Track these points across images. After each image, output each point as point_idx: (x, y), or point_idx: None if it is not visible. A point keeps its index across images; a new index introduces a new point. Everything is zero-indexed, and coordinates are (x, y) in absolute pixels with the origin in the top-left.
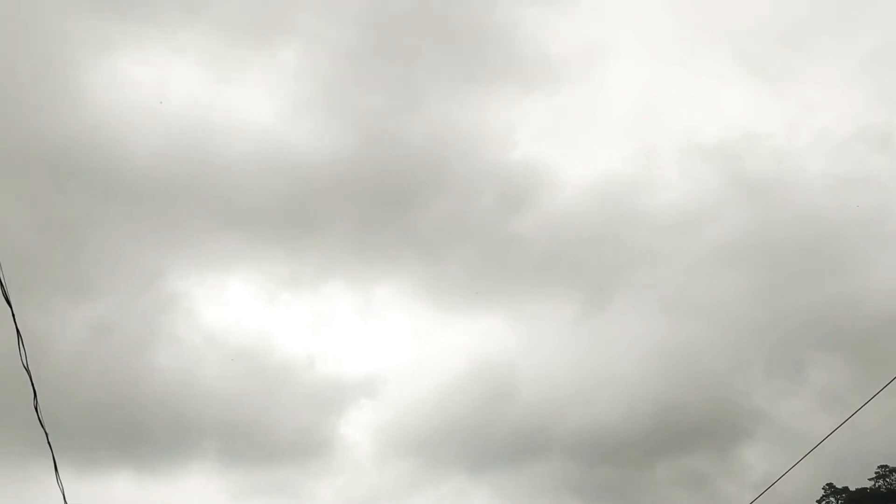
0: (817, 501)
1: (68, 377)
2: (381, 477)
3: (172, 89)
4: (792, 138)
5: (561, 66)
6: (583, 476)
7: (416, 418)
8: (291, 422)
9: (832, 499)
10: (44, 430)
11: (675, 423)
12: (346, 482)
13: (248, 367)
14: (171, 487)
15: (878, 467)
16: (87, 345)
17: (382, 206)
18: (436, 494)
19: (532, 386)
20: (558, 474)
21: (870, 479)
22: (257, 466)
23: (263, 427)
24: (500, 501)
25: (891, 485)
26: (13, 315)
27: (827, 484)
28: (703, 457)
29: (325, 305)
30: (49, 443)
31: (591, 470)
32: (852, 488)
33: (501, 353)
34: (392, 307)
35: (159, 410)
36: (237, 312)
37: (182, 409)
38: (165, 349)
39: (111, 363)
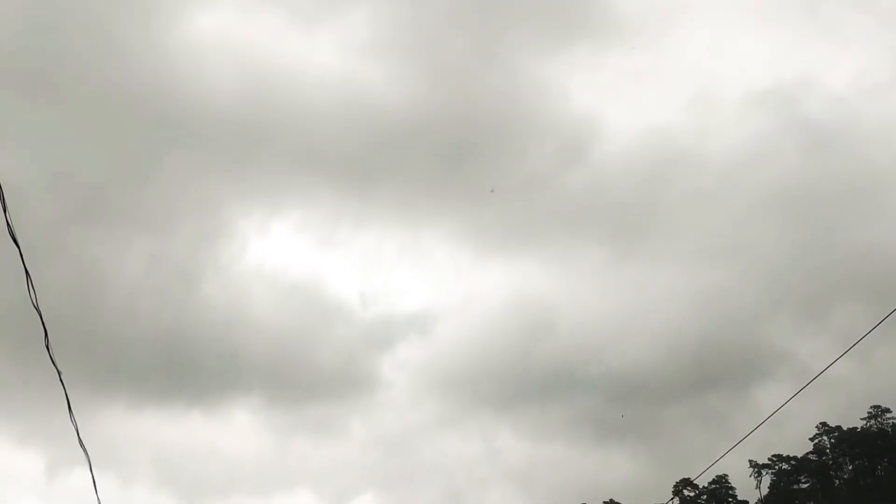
0: (810, 439)
1: (126, 306)
2: (416, 414)
3: (251, 34)
4: (851, 87)
5: (627, 24)
6: (603, 413)
7: (455, 357)
8: (337, 359)
9: (825, 437)
10: (56, 368)
11: (700, 364)
12: (381, 419)
13: (299, 304)
14: (218, 421)
15: (871, 407)
16: (145, 276)
17: (445, 154)
18: (462, 430)
19: (567, 328)
20: (580, 411)
21: (862, 419)
22: (300, 403)
23: (310, 364)
24: (521, 436)
25: (882, 424)
26: (20, 254)
27: (820, 422)
28: (722, 396)
29: (378, 247)
30: (62, 381)
31: (612, 407)
32: (845, 428)
33: (543, 295)
34: (444, 250)
35: (211, 343)
36: (293, 251)
37: (233, 343)
38: (220, 284)
39: (167, 294)
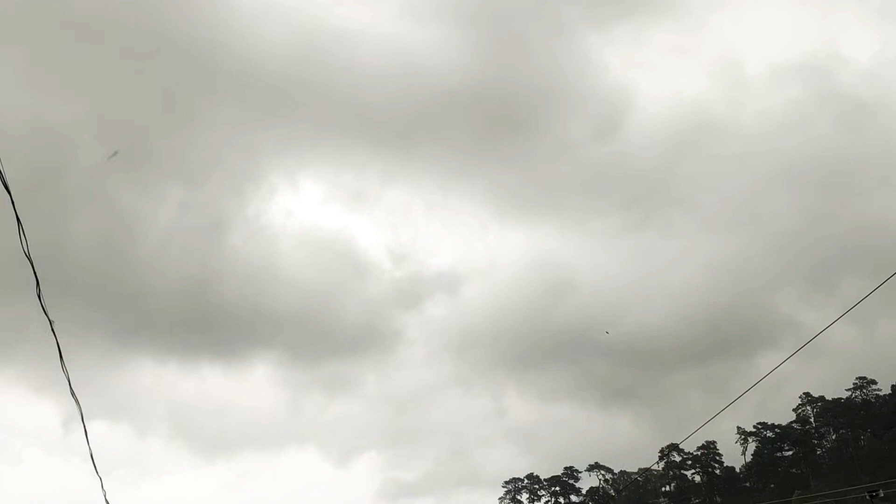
0: (794, 409)
1: (156, 256)
2: (430, 373)
3: None
4: (878, 61)
5: (669, 2)
6: (611, 376)
7: (476, 318)
8: (363, 316)
9: (808, 407)
10: (48, 318)
11: (709, 331)
12: (396, 377)
13: (328, 260)
14: (238, 375)
15: (857, 378)
16: (176, 225)
17: (483, 119)
18: (472, 390)
19: (584, 292)
20: (588, 373)
21: (847, 390)
22: (321, 359)
23: (335, 320)
24: (528, 396)
25: (867, 396)
26: (13, 203)
27: (804, 392)
28: (727, 363)
29: (408, 206)
30: (53, 331)
31: (619, 371)
32: (829, 398)
33: (562, 259)
34: (472, 212)
35: (239, 298)
36: (324, 207)
37: (261, 296)
38: (250, 237)
39: (197, 245)
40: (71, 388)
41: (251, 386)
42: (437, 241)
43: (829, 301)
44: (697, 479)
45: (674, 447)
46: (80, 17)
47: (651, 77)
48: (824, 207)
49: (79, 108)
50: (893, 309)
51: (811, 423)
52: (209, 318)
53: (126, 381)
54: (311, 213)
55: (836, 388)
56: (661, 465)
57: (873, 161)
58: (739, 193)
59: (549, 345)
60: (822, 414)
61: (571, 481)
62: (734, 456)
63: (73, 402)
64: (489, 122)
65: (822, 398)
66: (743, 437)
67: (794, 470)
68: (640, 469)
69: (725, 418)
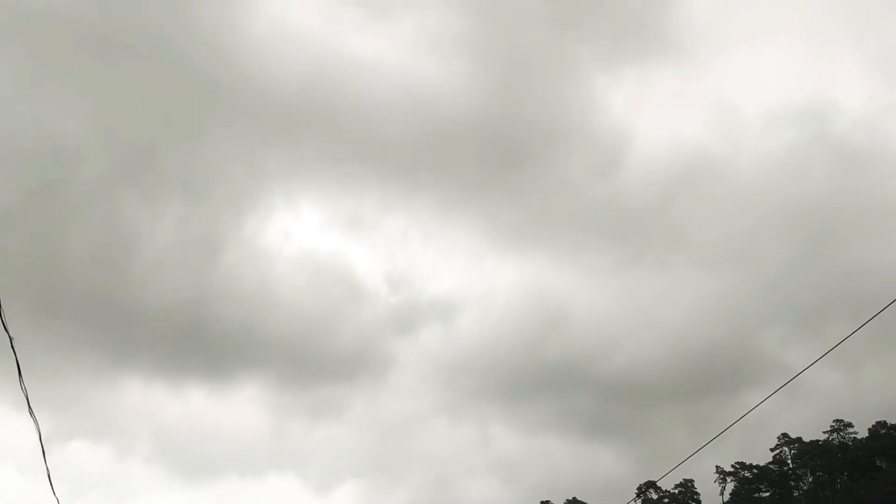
0: (771, 450)
1: (151, 273)
2: (418, 401)
3: (322, 24)
4: (874, 110)
5: (673, 47)
6: (596, 410)
7: (468, 347)
8: (356, 342)
9: (785, 448)
10: (7, 334)
11: (697, 368)
12: (384, 404)
13: (324, 284)
14: (227, 397)
15: (834, 421)
16: (173, 243)
17: (486, 152)
18: (458, 420)
19: (577, 327)
20: (574, 407)
21: (824, 432)
22: (311, 383)
23: (328, 344)
24: (513, 427)
25: (843, 439)
26: None
27: (782, 433)
28: (714, 401)
29: (406, 234)
30: (13, 347)
31: (606, 405)
32: (807, 439)
33: (557, 293)
34: (470, 242)
35: (232, 318)
36: (323, 231)
37: (253, 319)
38: (247, 258)
39: (193, 264)
40: (29, 406)
41: (237, 409)
42: (434, 270)
43: (815, 343)
44: None
45: (651, 484)
46: (93, 33)
47: (652, 119)
48: (815, 251)
49: (87, 123)
50: (876, 353)
51: (788, 464)
52: (200, 337)
53: (112, 400)
54: (309, 236)
55: (816, 430)
56: (639, 502)
57: (865, 207)
58: (732, 234)
59: (539, 376)
60: (799, 455)
61: None
62: (713, 496)
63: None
64: (492, 154)
65: (799, 439)
66: (721, 476)
67: None
68: None
69: (707, 457)
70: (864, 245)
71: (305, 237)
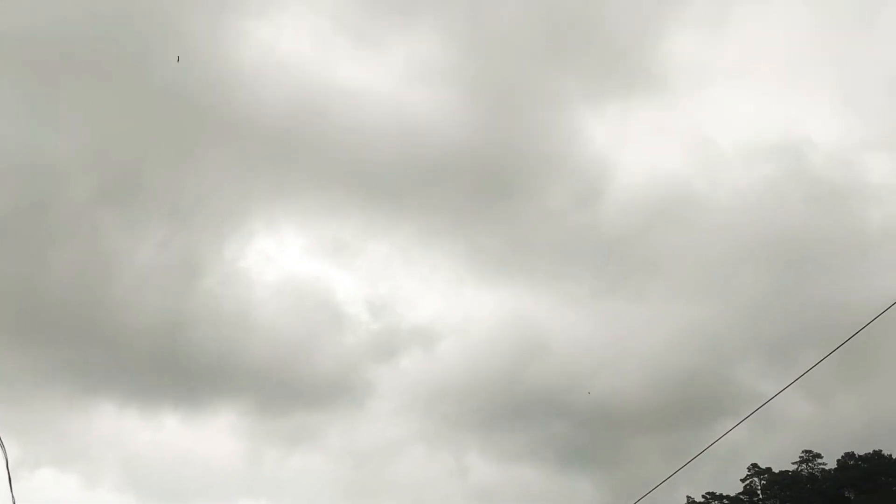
0: (741, 480)
1: (130, 296)
2: (396, 429)
3: (312, 52)
4: (850, 145)
5: (656, 82)
6: (573, 439)
7: (447, 375)
8: (335, 368)
9: (756, 479)
10: None
11: (674, 398)
12: (361, 432)
13: (304, 309)
14: (201, 423)
15: (803, 451)
16: (154, 267)
17: (470, 181)
18: (435, 448)
19: (556, 355)
20: (552, 436)
21: (794, 463)
22: (288, 410)
23: (307, 371)
24: (489, 456)
25: (812, 469)
26: None
27: (752, 464)
28: (689, 430)
29: (388, 261)
30: None
31: (582, 434)
32: (776, 470)
33: (536, 322)
34: (452, 270)
35: (211, 342)
36: (304, 256)
37: (232, 343)
38: (227, 283)
39: (172, 288)
40: None
41: (211, 436)
42: (416, 297)
43: (788, 374)
44: None
45: None
46: (83, 55)
47: (633, 151)
48: (789, 283)
49: (74, 143)
50: (846, 384)
51: (759, 495)
52: (177, 362)
53: (84, 426)
54: (290, 261)
55: (788, 460)
56: None
57: (837, 240)
58: (709, 265)
59: (516, 405)
60: (769, 486)
61: None
62: None
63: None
64: (476, 183)
65: (769, 470)
66: None
67: None
68: None
69: (681, 487)
70: (836, 278)
71: (287, 262)
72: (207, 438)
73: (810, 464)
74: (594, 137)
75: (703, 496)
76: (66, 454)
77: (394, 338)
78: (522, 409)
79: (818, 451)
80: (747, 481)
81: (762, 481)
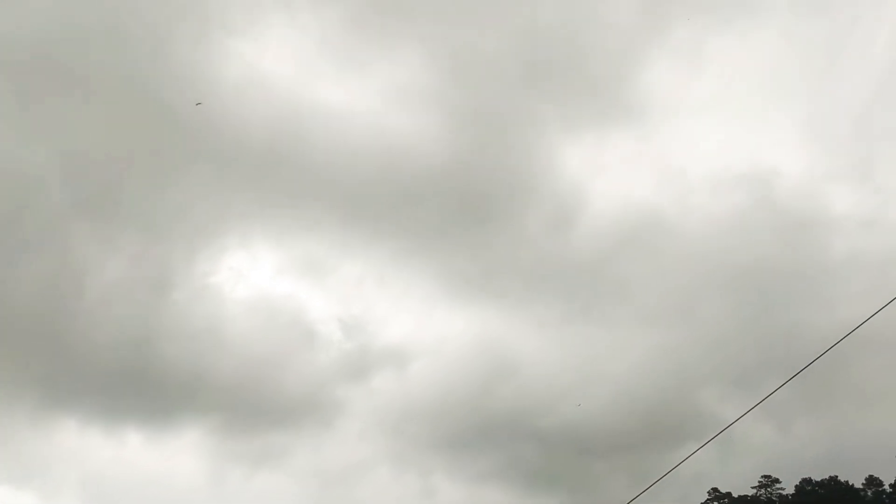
0: None
1: (99, 310)
2: (364, 449)
3: (293, 71)
4: (816, 177)
5: (631, 113)
6: (540, 462)
7: (417, 396)
8: (306, 387)
9: (716, 503)
10: None
11: (640, 422)
12: (329, 452)
13: (276, 328)
14: (166, 442)
15: (762, 476)
16: (126, 279)
17: (446, 203)
18: (401, 469)
19: (523, 378)
20: (519, 458)
21: (753, 488)
22: (256, 430)
23: (277, 390)
24: (456, 478)
25: (770, 494)
26: None
27: (712, 488)
28: (655, 454)
29: (361, 280)
30: None
31: (549, 457)
32: (735, 494)
33: (506, 345)
34: (425, 291)
35: (178, 359)
36: (276, 274)
37: (201, 360)
38: (197, 299)
39: (144, 302)
40: None
41: (175, 454)
42: (389, 318)
43: (751, 401)
44: None
45: None
46: (65, 68)
47: (606, 179)
48: (754, 311)
49: (51, 155)
50: (806, 410)
51: None
52: (143, 378)
53: (46, 443)
54: (263, 278)
55: (748, 484)
56: None
57: (801, 270)
58: (676, 291)
59: (484, 427)
60: None
61: None
62: None
63: None
64: (452, 206)
65: (728, 494)
66: None
67: None
68: None
69: None
70: (800, 306)
71: (260, 279)
72: (171, 457)
73: (769, 489)
74: (569, 164)
75: None
76: (25, 472)
77: (365, 359)
78: (490, 430)
79: (777, 476)
80: None
81: None
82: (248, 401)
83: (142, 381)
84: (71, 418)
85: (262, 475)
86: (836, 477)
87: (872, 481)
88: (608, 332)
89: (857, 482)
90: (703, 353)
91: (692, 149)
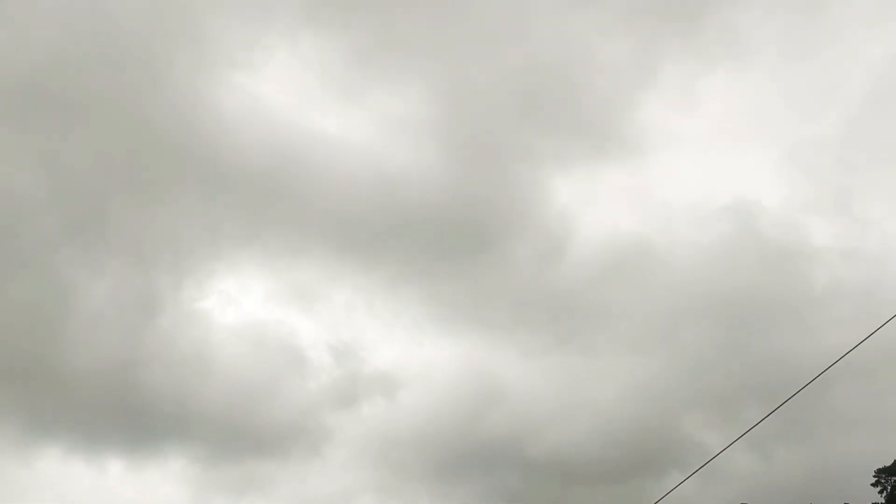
0: None
1: (86, 335)
2: (346, 478)
3: (291, 100)
4: (792, 207)
5: (623, 147)
6: (524, 491)
7: (403, 425)
8: (294, 415)
9: None
10: None
11: (625, 450)
12: (312, 482)
13: (264, 356)
14: (147, 472)
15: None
16: (112, 303)
17: (438, 234)
18: (384, 498)
19: (509, 406)
20: (502, 487)
21: None
22: (240, 458)
23: (262, 417)
24: None
25: None
26: None
27: None
28: (637, 482)
29: (351, 306)
30: None
31: (533, 485)
32: None
33: (493, 374)
34: (414, 318)
35: (164, 386)
36: (266, 300)
37: (187, 387)
38: (185, 324)
39: (130, 327)
40: None
41: (157, 484)
42: (378, 345)
43: (732, 428)
44: None
45: None
46: (60, 90)
47: (595, 211)
48: (733, 340)
49: (44, 177)
50: (787, 440)
51: None
52: (127, 404)
53: (25, 472)
54: (252, 304)
55: None
56: None
57: (783, 299)
58: (659, 321)
59: (469, 455)
60: None
61: None
62: None
63: None
64: (444, 235)
65: None
66: None
67: None
68: None
69: None
70: (781, 334)
71: (248, 304)
72: (154, 486)
73: None
74: (559, 197)
75: None
76: (6, 500)
77: (355, 384)
78: (475, 458)
79: None
80: None
81: None
82: (234, 428)
83: (125, 407)
84: (54, 444)
85: None
86: None
87: None
88: (595, 359)
89: None
90: (686, 381)
91: (678, 181)
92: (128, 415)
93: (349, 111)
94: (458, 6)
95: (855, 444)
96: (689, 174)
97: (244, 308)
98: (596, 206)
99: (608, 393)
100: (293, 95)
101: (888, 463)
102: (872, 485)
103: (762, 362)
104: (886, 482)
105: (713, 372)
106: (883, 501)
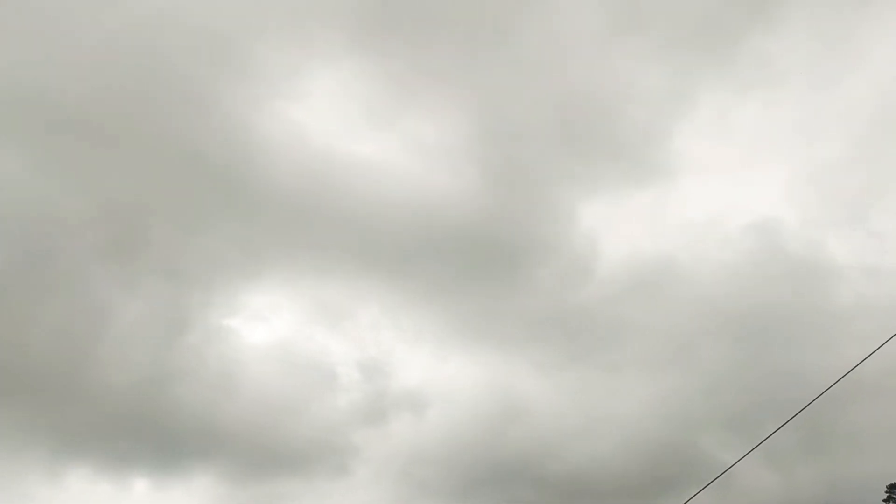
0: None
1: (118, 356)
2: (370, 496)
3: (329, 126)
4: (815, 226)
5: (650, 172)
6: None
7: (428, 444)
8: (319, 433)
9: None
10: None
11: (644, 467)
12: (340, 500)
13: (292, 373)
14: (173, 489)
15: None
16: (146, 323)
17: (467, 256)
18: None
19: (534, 425)
20: None
21: None
22: (267, 476)
23: (289, 435)
24: None
25: None
26: None
27: None
28: (657, 499)
29: (378, 325)
30: None
31: (551, 503)
32: None
33: (517, 392)
34: (441, 338)
35: (192, 404)
36: (295, 318)
37: (214, 404)
38: (217, 342)
39: (160, 346)
40: None
41: (183, 502)
42: (406, 363)
43: (750, 444)
44: None
45: None
46: (107, 120)
47: (620, 231)
48: (752, 356)
49: (88, 200)
50: (805, 454)
51: None
52: (155, 422)
53: (54, 493)
54: (280, 321)
55: None
56: None
57: (805, 315)
58: (680, 338)
59: (490, 472)
60: None
61: None
62: None
63: None
64: (471, 256)
65: None
66: None
67: None
68: None
69: None
70: (803, 351)
71: (277, 322)
72: None
73: None
74: (586, 219)
75: None
76: None
77: (382, 401)
78: (496, 475)
79: None
80: None
81: None
82: (261, 445)
83: (152, 425)
84: (83, 465)
85: None
86: None
87: None
88: (616, 377)
89: None
90: (707, 398)
91: (703, 202)
92: (155, 433)
93: (386, 136)
94: (496, 34)
95: (870, 459)
96: (715, 196)
97: (272, 325)
98: (621, 227)
99: (629, 410)
100: (331, 121)
101: None
102: (885, 500)
103: (784, 380)
104: None
105: (734, 389)
106: None
